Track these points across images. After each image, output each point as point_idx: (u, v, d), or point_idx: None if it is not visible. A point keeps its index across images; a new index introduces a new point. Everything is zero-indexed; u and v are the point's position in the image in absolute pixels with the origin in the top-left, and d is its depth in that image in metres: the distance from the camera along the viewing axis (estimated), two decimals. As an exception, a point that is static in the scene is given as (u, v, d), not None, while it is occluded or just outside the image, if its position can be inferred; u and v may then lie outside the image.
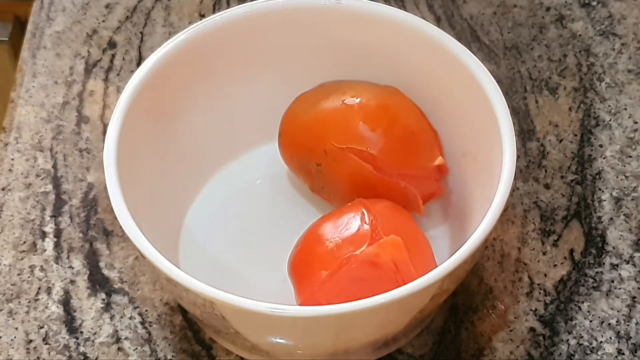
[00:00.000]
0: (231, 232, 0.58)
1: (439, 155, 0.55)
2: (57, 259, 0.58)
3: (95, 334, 0.55)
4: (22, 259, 0.58)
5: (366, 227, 0.52)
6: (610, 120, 0.63)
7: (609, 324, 0.55)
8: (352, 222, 0.52)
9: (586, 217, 0.59)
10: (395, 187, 0.55)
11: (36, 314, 0.56)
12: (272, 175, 0.58)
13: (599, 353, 0.54)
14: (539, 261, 0.57)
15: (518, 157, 0.61)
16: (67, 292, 0.57)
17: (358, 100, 0.55)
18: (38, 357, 0.54)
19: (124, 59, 0.67)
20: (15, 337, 0.55)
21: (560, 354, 0.54)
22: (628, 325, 0.55)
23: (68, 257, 0.58)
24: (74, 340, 0.55)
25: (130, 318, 0.56)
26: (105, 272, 0.57)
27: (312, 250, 0.52)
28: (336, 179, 0.55)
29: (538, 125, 0.63)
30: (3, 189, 0.61)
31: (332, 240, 0.52)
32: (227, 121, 0.59)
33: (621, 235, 0.58)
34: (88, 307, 0.56)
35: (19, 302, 0.56)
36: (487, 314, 0.56)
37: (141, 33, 0.68)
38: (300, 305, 0.52)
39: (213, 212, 0.59)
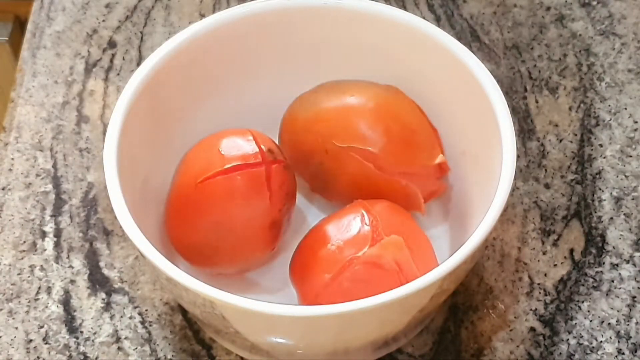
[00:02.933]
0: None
1: (439, 153, 0.55)
2: (57, 259, 0.58)
3: (95, 333, 0.55)
4: (22, 258, 0.58)
5: (367, 228, 0.52)
6: (610, 119, 0.63)
7: (609, 323, 0.55)
8: (353, 224, 0.52)
9: (586, 217, 0.59)
10: (396, 185, 0.55)
11: (36, 313, 0.56)
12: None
13: (599, 353, 0.54)
14: (539, 261, 0.58)
15: (518, 157, 0.61)
16: (67, 292, 0.57)
17: (358, 99, 0.55)
18: (38, 357, 0.54)
19: (124, 59, 0.67)
20: (15, 337, 0.55)
21: (561, 353, 0.54)
22: (628, 325, 0.55)
23: (68, 257, 0.58)
24: (74, 340, 0.55)
25: (130, 318, 0.56)
26: (105, 271, 0.57)
27: (313, 253, 0.52)
28: (338, 178, 0.55)
29: (538, 125, 0.63)
30: (3, 189, 0.61)
31: (333, 242, 0.52)
32: (227, 121, 0.59)
33: (621, 235, 0.58)
34: (88, 306, 0.56)
35: (19, 301, 0.56)
36: (487, 314, 0.56)
37: (141, 33, 0.68)
38: None
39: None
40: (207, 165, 0.52)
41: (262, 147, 0.53)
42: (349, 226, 0.52)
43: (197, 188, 0.52)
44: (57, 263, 0.58)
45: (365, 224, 0.52)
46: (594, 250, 0.58)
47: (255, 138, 0.53)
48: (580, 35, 0.67)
